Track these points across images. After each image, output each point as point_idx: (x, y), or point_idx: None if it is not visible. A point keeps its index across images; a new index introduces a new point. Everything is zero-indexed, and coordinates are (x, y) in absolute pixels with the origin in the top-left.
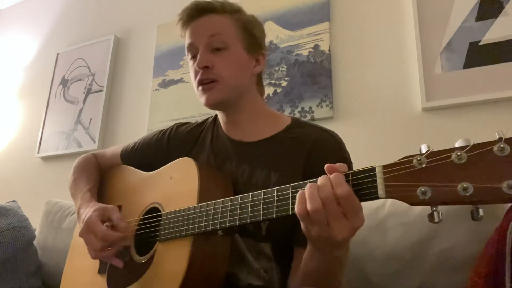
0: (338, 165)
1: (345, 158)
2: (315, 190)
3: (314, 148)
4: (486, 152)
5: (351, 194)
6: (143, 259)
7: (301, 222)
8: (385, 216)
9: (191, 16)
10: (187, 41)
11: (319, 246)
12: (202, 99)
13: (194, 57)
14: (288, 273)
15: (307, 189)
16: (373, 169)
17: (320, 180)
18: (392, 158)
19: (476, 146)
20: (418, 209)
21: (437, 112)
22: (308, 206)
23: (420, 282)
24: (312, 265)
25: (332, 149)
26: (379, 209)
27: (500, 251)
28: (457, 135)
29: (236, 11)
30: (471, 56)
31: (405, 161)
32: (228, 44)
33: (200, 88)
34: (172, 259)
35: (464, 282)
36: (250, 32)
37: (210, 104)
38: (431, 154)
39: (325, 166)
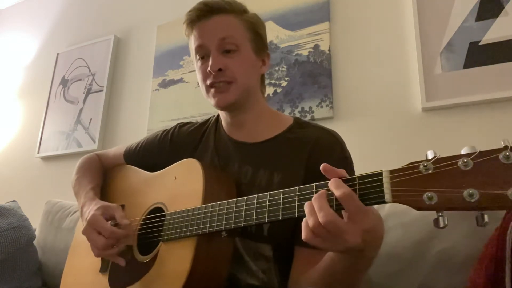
0: (334, 170)
1: (346, 158)
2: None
3: (315, 148)
4: (492, 160)
5: (352, 194)
6: (146, 259)
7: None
8: (385, 216)
9: (201, 16)
10: (196, 41)
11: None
12: (214, 100)
13: (202, 58)
14: (287, 274)
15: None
16: (380, 174)
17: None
18: (392, 158)
19: (482, 153)
20: None
21: (437, 112)
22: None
23: (420, 282)
24: (339, 266)
25: (333, 148)
26: (379, 209)
27: (500, 252)
28: (457, 135)
29: (243, 11)
30: (471, 56)
31: (412, 167)
32: (239, 46)
33: (212, 89)
34: (176, 259)
35: (464, 282)
36: (257, 32)
37: (223, 106)
38: (437, 160)
39: (321, 167)
